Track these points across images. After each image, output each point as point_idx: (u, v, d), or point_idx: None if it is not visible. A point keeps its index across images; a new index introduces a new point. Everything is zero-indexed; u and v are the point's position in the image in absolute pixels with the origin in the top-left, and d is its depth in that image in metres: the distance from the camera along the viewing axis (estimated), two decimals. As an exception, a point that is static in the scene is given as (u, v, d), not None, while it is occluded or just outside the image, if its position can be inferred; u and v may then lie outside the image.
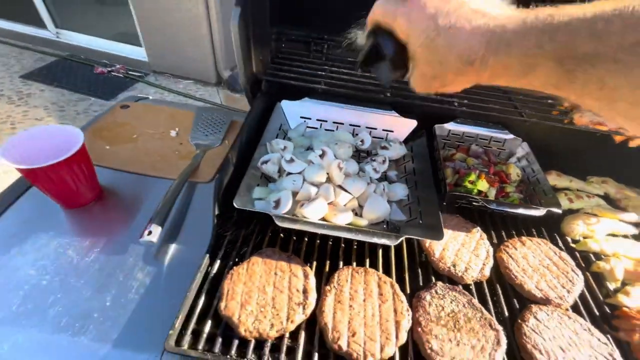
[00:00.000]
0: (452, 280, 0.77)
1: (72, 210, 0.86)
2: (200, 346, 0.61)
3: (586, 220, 0.92)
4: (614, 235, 0.92)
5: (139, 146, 1.05)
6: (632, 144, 0.87)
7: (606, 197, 1.04)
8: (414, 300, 0.71)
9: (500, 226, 0.92)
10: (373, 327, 0.64)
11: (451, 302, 0.70)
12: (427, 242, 0.81)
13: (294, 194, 0.82)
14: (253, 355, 0.61)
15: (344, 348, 0.61)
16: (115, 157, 1.00)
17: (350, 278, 0.72)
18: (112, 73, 3.96)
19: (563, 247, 0.88)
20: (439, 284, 0.74)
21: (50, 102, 3.31)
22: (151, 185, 0.95)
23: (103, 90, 3.55)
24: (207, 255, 0.74)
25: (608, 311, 0.75)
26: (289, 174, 0.86)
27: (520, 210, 0.84)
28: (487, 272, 0.77)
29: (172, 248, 0.80)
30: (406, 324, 0.66)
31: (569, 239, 0.91)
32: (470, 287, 0.76)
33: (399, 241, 0.70)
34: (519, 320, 0.70)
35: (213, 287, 0.70)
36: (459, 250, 0.81)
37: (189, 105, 1.33)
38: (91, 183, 0.86)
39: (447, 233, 0.84)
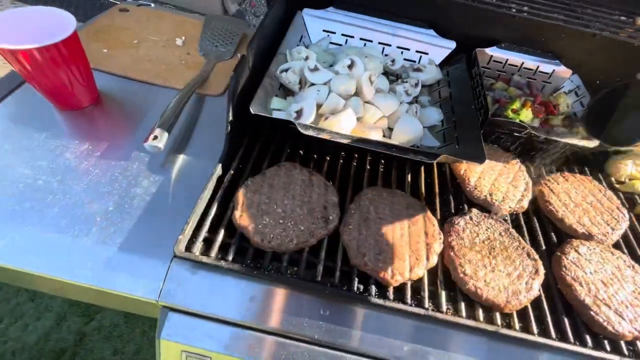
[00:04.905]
0: (485, 210, 0.70)
1: (69, 112, 0.78)
2: (213, 254, 0.56)
3: (637, 161, 0.83)
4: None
5: (140, 52, 0.93)
6: None
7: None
8: (446, 225, 0.65)
9: (538, 161, 0.83)
10: (402, 247, 0.59)
11: (486, 230, 0.64)
12: (462, 170, 0.73)
13: (318, 106, 0.72)
14: (271, 266, 0.56)
15: (371, 265, 0.56)
16: (114, 62, 0.89)
17: (377, 197, 0.65)
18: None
19: (606, 187, 0.80)
20: (474, 210, 0.67)
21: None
22: (155, 94, 0.85)
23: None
24: (220, 164, 0.67)
25: (652, 252, 0.70)
26: (312, 84, 0.75)
27: (574, 141, 0.74)
28: (525, 204, 0.71)
29: (180, 159, 0.73)
30: (438, 246, 0.60)
31: (613, 180, 0.83)
32: (506, 218, 0.70)
33: (437, 159, 0.62)
34: (558, 253, 0.64)
35: (226, 197, 0.64)
36: (495, 180, 0.73)
37: (196, 14, 1.18)
38: (87, 81, 0.76)
39: (484, 162, 0.76)
